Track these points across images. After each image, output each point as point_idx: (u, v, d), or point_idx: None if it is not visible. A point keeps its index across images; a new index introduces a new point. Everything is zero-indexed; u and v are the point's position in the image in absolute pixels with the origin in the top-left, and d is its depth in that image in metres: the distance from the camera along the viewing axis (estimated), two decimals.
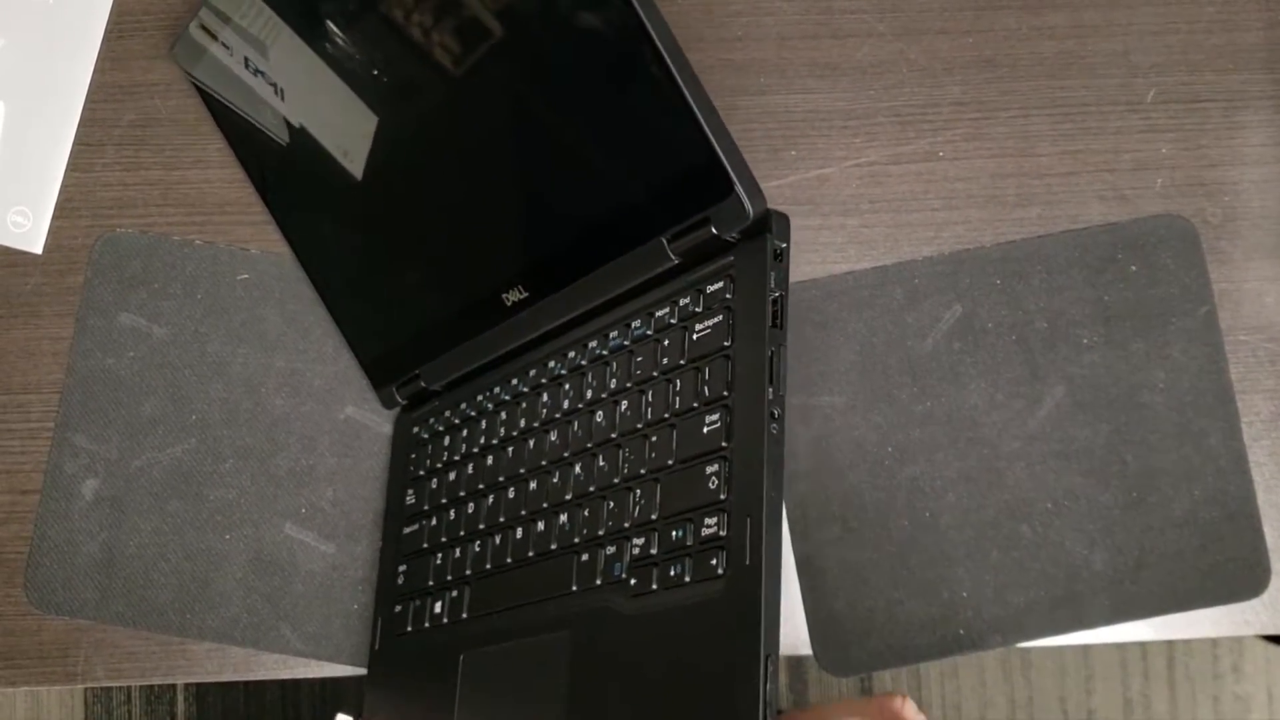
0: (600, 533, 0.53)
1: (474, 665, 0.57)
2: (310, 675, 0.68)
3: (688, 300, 0.54)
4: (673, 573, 0.48)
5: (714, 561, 0.46)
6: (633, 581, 0.50)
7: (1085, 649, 1.35)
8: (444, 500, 0.64)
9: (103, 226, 0.71)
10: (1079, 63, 0.72)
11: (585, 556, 0.53)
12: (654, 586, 0.48)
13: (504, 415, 0.62)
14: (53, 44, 0.72)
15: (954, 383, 0.68)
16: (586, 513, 0.54)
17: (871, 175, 0.70)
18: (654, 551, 0.49)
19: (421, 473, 0.66)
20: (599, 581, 0.52)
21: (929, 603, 0.66)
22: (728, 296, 0.52)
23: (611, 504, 0.53)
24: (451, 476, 0.64)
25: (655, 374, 0.53)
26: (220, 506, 0.69)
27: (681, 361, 0.53)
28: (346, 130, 0.63)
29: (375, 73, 0.62)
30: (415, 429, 0.67)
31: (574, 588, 0.53)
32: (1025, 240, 0.69)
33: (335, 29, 0.62)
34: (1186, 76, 0.71)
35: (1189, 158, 0.71)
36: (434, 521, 0.64)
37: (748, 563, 0.45)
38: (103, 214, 0.72)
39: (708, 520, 0.47)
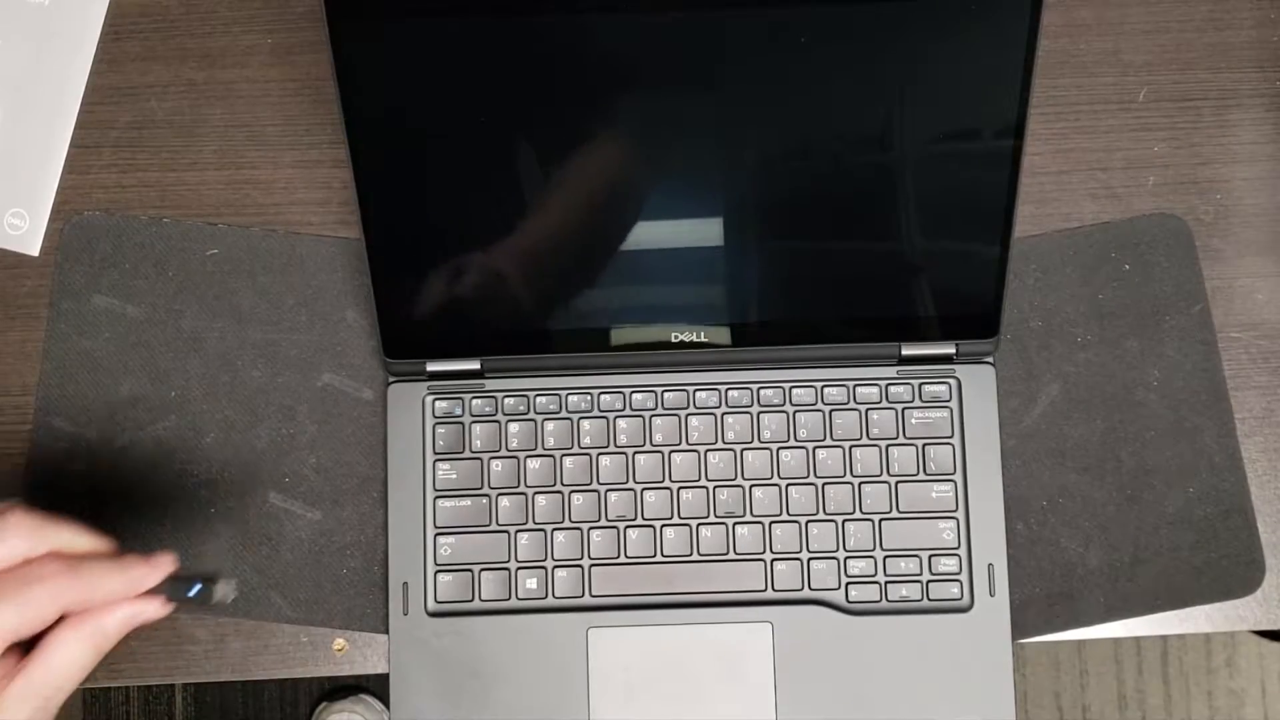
0: (799, 549, 0.66)
1: (609, 640, 0.66)
2: (307, 674, 0.69)
3: (900, 389, 0.67)
4: (904, 592, 0.66)
5: (955, 591, 0.66)
6: (852, 591, 0.66)
7: (1080, 644, 1.36)
8: (524, 486, 0.67)
9: None
10: (1071, 61, 0.72)
11: (783, 566, 0.66)
12: (879, 599, 0.66)
13: (623, 425, 0.68)
14: (49, 46, 0.72)
15: None
16: (779, 531, 0.66)
17: None
18: (873, 573, 0.66)
19: (468, 453, 0.67)
20: (807, 588, 0.66)
21: None
22: (949, 402, 0.67)
23: (814, 530, 0.66)
24: (535, 465, 0.67)
25: (860, 437, 0.67)
26: (204, 481, 0.69)
27: (896, 437, 0.67)
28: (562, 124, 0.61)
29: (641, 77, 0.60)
30: (441, 403, 0.68)
31: (771, 589, 0.66)
32: (1020, 239, 0.69)
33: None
34: (1178, 75, 0.72)
35: (1181, 156, 0.71)
36: (506, 503, 0.67)
37: (993, 595, 0.66)
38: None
39: (945, 561, 0.66)
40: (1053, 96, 0.71)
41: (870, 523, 0.66)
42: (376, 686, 1.30)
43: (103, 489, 0.69)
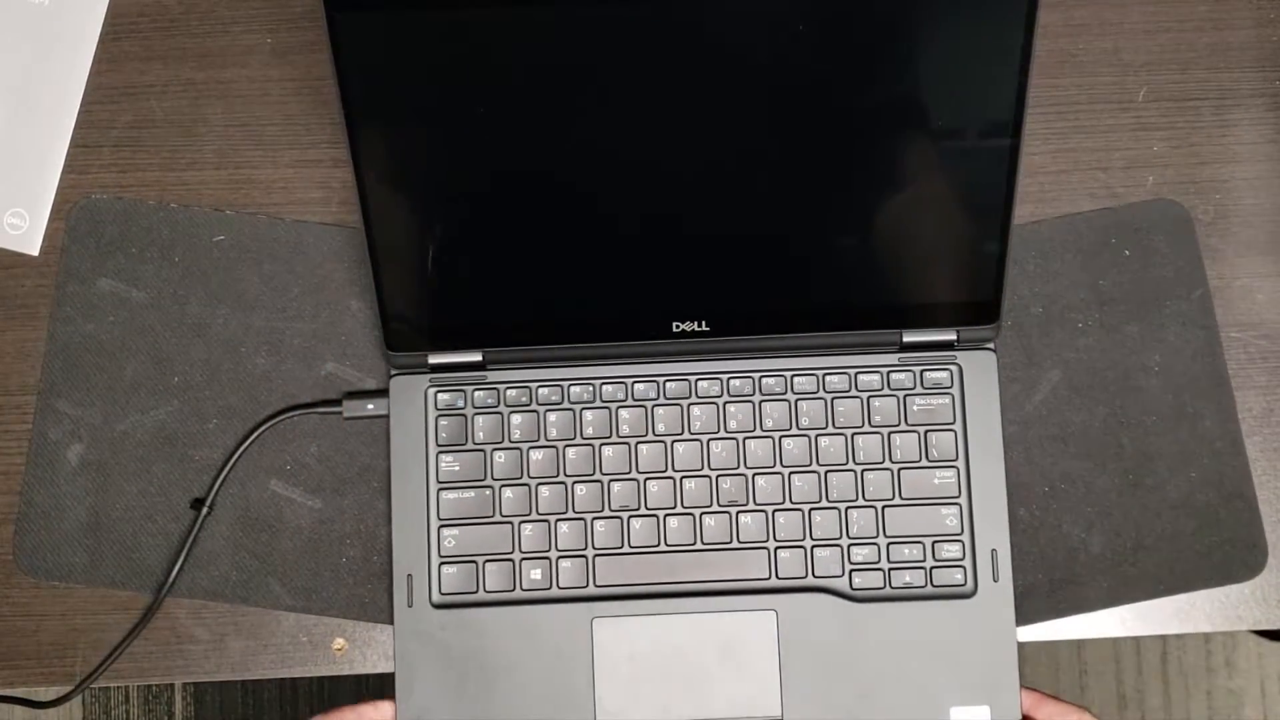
0: (802, 537, 0.67)
1: (614, 630, 0.66)
2: (307, 674, 0.69)
3: (902, 376, 0.67)
4: (908, 579, 0.66)
5: (959, 577, 0.66)
6: (856, 578, 0.66)
7: (1080, 644, 1.36)
8: (527, 477, 0.67)
9: None
10: (1071, 61, 0.72)
11: (786, 554, 0.66)
12: (882, 586, 0.66)
13: (625, 415, 0.68)
14: (48, 46, 0.72)
15: None
16: (782, 519, 0.67)
17: None
18: (876, 559, 0.66)
19: (471, 444, 0.68)
20: (811, 575, 0.66)
21: None
22: (950, 388, 0.67)
23: (817, 517, 0.67)
24: (538, 456, 0.67)
25: (862, 425, 0.67)
26: (205, 466, 0.69)
27: (898, 424, 0.67)
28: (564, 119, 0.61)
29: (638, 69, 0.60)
30: (444, 395, 0.68)
31: (775, 577, 0.66)
32: (1019, 226, 0.69)
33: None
34: (1177, 75, 0.72)
35: (1180, 155, 0.71)
36: (509, 494, 0.67)
37: (997, 580, 0.66)
38: None
39: (948, 547, 0.66)
40: (1053, 96, 0.72)
41: (873, 510, 0.67)
42: (374, 689, 1.30)
43: (104, 472, 0.69)
